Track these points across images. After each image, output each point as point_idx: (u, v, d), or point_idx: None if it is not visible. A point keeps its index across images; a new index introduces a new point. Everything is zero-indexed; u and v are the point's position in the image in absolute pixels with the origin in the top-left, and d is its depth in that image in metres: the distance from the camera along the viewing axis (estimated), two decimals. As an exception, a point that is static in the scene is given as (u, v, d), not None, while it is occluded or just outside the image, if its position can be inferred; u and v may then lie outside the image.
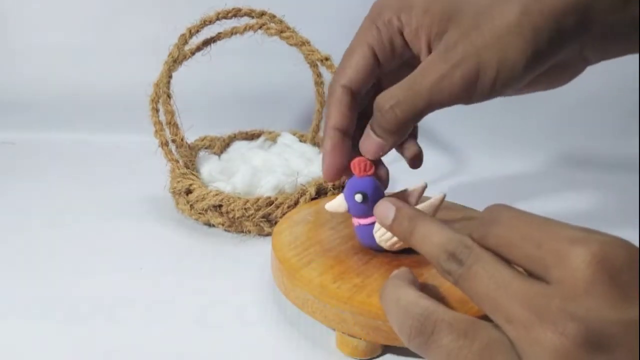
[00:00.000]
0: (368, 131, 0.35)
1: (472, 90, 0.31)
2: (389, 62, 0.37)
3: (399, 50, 0.36)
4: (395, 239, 0.37)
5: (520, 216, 0.26)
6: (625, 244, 0.23)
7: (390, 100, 0.33)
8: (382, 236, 0.37)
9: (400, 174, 0.56)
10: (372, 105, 0.36)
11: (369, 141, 0.35)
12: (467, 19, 0.31)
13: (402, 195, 0.39)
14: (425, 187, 0.40)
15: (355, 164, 0.37)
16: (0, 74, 0.75)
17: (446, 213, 0.46)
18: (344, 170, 0.38)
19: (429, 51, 0.34)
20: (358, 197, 0.37)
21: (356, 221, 0.38)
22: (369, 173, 0.37)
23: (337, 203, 0.38)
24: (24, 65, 0.75)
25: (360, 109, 0.38)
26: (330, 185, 0.52)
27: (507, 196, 0.59)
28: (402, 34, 0.35)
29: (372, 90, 0.38)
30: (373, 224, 0.38)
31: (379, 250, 0.39)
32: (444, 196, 0.39)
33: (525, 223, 0.25)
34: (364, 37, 0.36)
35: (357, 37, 0.37)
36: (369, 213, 0.38)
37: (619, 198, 0.61)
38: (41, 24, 0.75)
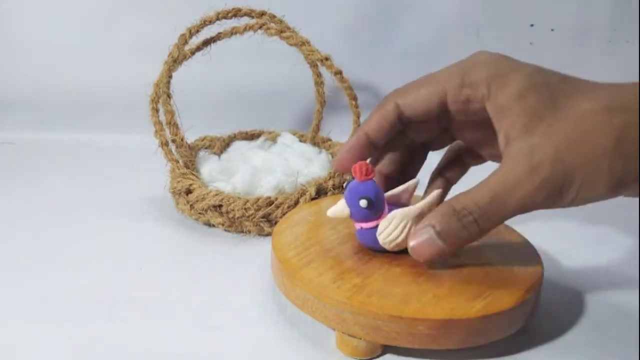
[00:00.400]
0: (428, 232, 0.33)
1: (553, 205, 0.31)
2: (458, 114, 0.35)
3: (473, 111, 0.34)
4: (399, 239, 0.37)
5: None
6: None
7: (474, 212, 0.31)
8: (387, 238, 0.37)
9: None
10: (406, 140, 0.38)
11: (428, 244, 0.33)
12: (560, 126, 0.30)
13: (396, 194, 0.39)
14: (417, 184, 0.40)
15: (357, 168, 0.37)
16: (0, 74, 0.75)
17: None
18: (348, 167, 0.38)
19: (508, 137, 0.32)
20: (363, 203, 0.37)
21: (358, 225, 0.38)
22: (371, 177, 0.37)
23: (339, 209, 0.38)
24: (24, 65, 0.75)
25: (397, 138, 0.38)
26: (330, 185, 0.52)
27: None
28: (483, 102, 0.33)
29: (427, 125, 0.38)
30: (376, 227, 0.38)
31: (381, 251, 0.39)
32: (441, 191, 0.39)
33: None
34: (444, 78, 0.35)
35: (439, 73, 0.35)
36: (372, 217, 0.37)
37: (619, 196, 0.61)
38: (41, 23, 0.75)
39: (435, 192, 0.38)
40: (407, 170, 0.41)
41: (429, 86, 0.35)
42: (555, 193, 0.30)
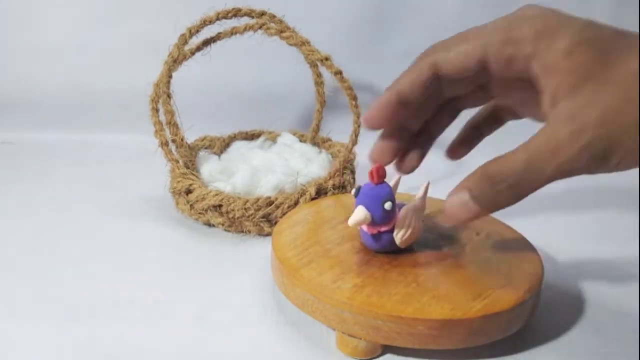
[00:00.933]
0: (463, 195, 0.31)
1: (595, 170, 0.29)
2: (499, 73, 0.32)
3: (515, 69, 0.31)
4: (407, 235, 0.38)
5: None
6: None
7: (509, 177, 0.29)
8: (404, 236, 0.38)
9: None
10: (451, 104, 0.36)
11: (463, 208, 0.31)
12: (609, 87, 0.28)
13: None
14: (400, 178, 0.41)
15: (374, 171, 0.37)
16: (0, 74, 0.75)
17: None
18: (382, 126, 0.36)
19: (554, 97, 0.30)
20: (389, 205, 0.37)
21: (374, 229, 0.38)
22: (384, 179, 0.37)
23: (361, 216, 0.37)
24: (24, 65, 0.75)
25: (444, 89, 0.35)
26: (330, 185, 0.52)
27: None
28: (528, 60, 0.30)
29: (463, 83, 0.35)
30: (393, 228, 0.38)
31: (384, 251, 0.39)
32: (428, 184, 0.41)
33: None
34: (486, 34, 0.32)
35: (480, 29, 0.32)
36: (392, 219, 0.38)
37: (620, 197, 0.61)
38: (41, 23, 0.75)
39: (425, 184, 0.41)
40: (430, 127, 0.38)
41: (469, 43, 0.32)
42: (597, 159, 0.28)
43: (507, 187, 0.30)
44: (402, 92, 0.34)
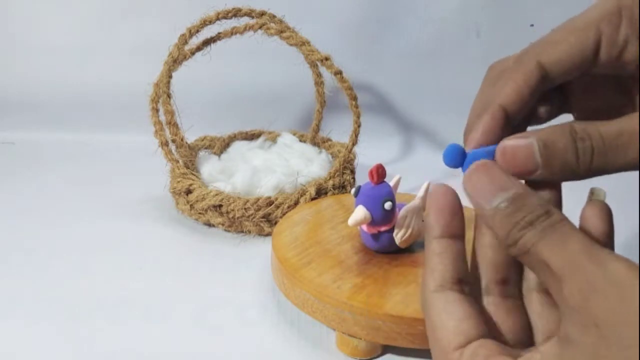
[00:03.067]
0: (530, 140, 0.25)
1: None
2: (604, 66, 0.27)
3: (625, 60, 0.26)
4: (407, 235, 0.38)
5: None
6: None
7: (595, 139, 0.24)
8: (404, 236, 0.38)
9: (401, 174, 0.56)
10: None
11: (523, 152, 0.25)
12: None
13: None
14: (399, 178, 0.41)
15: (374, 171, 0.37)
16: (0, 74, 0.75)
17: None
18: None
19: None
20: (389, 205, 0.37)
21: (374, 229, 0.38)
22: (384, 179, 0.37)
23: (361, 216, 0.37)
24: (24, 65, 0.75)
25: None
26: (330, 185, 0.52)
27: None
28: None
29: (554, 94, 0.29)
30: (393, 228, 0.38)
31: (384, 251, 0.39)
32: (429, 184, 0.40)
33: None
34: (599, 17, 0.27)
35: (587, 14, 0.27)
36: (392, 218, 0.38)
37: (620, 196, 0.61)
38: (42, 24, 0.75)
39: (426, 184, 0.40)
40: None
41: (579, 33, 0.26)
42: None
43: (589, 148, 0.24)
44: (509, 106, 0.27)
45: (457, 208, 0.26)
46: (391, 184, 0.39)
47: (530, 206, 0.22)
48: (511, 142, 0.25)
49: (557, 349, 0.22)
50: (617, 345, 0.20)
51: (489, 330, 0.24)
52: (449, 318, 0.23)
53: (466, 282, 0.25)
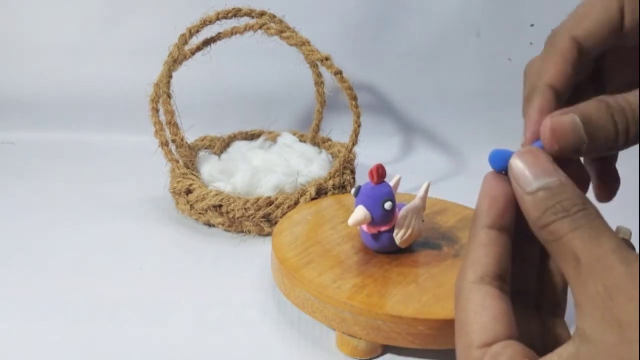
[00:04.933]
0: (573, 118, 0.24)
1: None
2: (629, 32, 0.27)
3: None
4: (407, 235, 0.38)
5: None
6: None
7: (627, 109, 0.24)
8: (404, 236, 0.38)
9: (401, 174, 0.56)
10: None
11: (570, 130, 0.24)
12: None
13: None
14: (399, 178, 0.41)
15: (374, 171, 0.37)
16: (0, 74, 0.75)
17: (446, 213, 0.46)
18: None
19: None
20: (389, 205, 0.37)
21: (374, 229, 0.38)
22: (384, 179, 0.37)
23: (361, 216, 0.37)
24: (24, 65, 0.75)
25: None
26: (330, 185, 0.52)
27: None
28: None
29: (588, 65, 0.29)
30: (393, 228, 0.38)
31: (384, 252, 0.39)
32: (429, 184, 0.41)
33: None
34: None
35: None
36: (392, 218, 0.38)
37: (620, 196, 0.61)
38: (42, 24, 0.75)
39: (426, 184, 0.40)
40: None
41: (604, 2, 0.27)
42: None
43: (623, 116, 0.24)
44: (556, 84, 0.28)
45: (511, 199, 0.25)
46: (391, 183, 0.39)
47: (570, 193, 0.22)
48: (556, 120, 0.24)
49: (573, 348, 0.21)
50: (638, 347, 0.20)
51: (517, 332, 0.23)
52: (484, 313, 0.23)
53: (506, 279, 0.24)
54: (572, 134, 0.24)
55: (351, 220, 0.37)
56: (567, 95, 0.28)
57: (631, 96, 0.24)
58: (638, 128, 0.24)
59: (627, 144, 0.25)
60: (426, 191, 0.40)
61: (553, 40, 0.28)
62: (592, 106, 0.24)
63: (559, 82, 0.27)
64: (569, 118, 0.24)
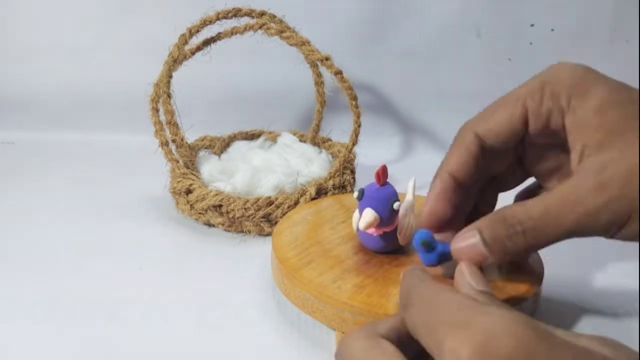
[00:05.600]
0: (474, 236, 0.29)
1: (616, 232, 0.27)
2: (537, 135, 0.31)
3: (553, 128, 0.31)
4: (408, 232, 0.38)
5: (424, 296, 0.24)
6: (512, 328, 0.20)
7: (524, 222, 0.28)
8: (406, 234, 0.38)
9: (401, 174, 0.56)
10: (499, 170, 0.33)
11: (472, 250, 0.29)
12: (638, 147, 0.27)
13: None
14: (414, 181, 0.42)
15: (380, 172, 0.37)
16: (0, 74, 0.75)
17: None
18: (447, 222, 0.33)
19: (582, 153, 0.29)
20: (397, 205, 0.37)
21: (380, 230, 0.38)
22: (387, 179, 0.38)
23: (371, 219, 0.37)
24: (24, 65, 0.75)
25: (487, 166, 0.33)
26: (330, 185, 0.52)
27: (507, 196, 0.59)
28: (563, 116, 0.30)
29: (503, 156, 0.34)
30: (396, 227, 0.38)
31: (385, 252, 0.39)
32: (414, 180, 0.41)
33: (426, 306, 0.24)
34: (523, 93, 0.31)
35: (516, 91, 0.32)
36: (396, 218, 0.38)
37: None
38: (41, 24, 0.75)
39: (412, 181, 0.41)
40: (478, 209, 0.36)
41: (508, 106, 0.31)
42: (619, 218, 0.26)
43: (520, 232, 0.28)
44: (455, 173, 0.32)
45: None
46: (409, 187, 0.41)
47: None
48: (460, 245, 0.29)
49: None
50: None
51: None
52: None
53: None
54: (476, 256, 0.29)
55: (362, 224, 0.37)
56: (470, 182, 0.33)
57: (533, 207, 0.28)
58: (539, 235, 0.28)
59: (533, 250, 0.29)
60: (414, 187, 0.41)
61: (460, 134, 0.33)
62: (493, 223, 0.29)
63: (459, 171, 0.32)
64: (471, 243, 0.29)
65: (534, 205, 0.28)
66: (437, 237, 0.35)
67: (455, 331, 0.21)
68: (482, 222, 0.29)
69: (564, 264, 0.47)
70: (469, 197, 0.34)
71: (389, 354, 0.23)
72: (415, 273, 0.27)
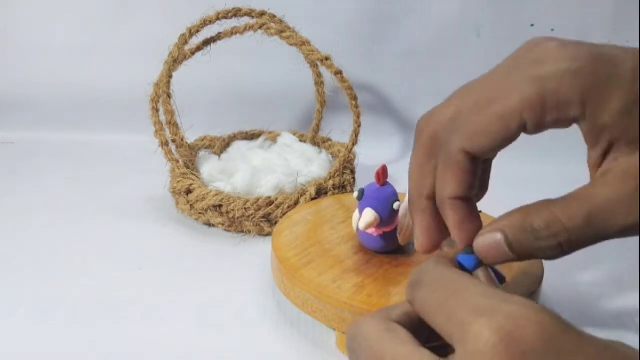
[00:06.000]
0: (495, 237, 0.27)
1: None
2: (533, 131, 0.27)
3: (555, 126, 0.27)
4: (409, 232, 0.38)
5: (441, 279, 0.24)
6: (537, 317, 0.20)
7: (561, 235, 0.25)
8: (406, 233, 0.38)
9: (401, 174, 0.56)
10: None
11: (494, 249, 0.27)
12: None
13: None
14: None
15: (381, 172, 0.37)
16: (0, 74, 0.75)
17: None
18: (440, 243, 0.31)
19: (608, 151, 0.27)
20: (397, 205, 0.37)
21: (380, 230, 0.38)
22: (387, 179, 0.38)
23: (371, 219, 0.37)
24: (24, 65, 0.75)
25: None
26: (330, 185, 0.52)
27: (507, 196, 0.59)
28: (576, 121, 0.26)
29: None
30: (396, 227, 0.38)
31: (386, 252, 0.39)
32: None
33: (442, 288, 0.23)
34: (520, 106, 0.26)
35: (507, 100, 0.26)
36: (396, 218, 0.38)
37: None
38: (42, 24, 0.75)
39: None
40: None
41: (502, 121, 0.27)
42: None
43: (555, 245, 0.26)
44: (460, 195, 0.29)
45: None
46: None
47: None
48: (480, 242, 0.27)
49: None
50: None
51: None
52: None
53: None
54: (499, 255, 0.27)
55: (362, 224, 0.37)
56: (475, 192, 0.29)
57: (568, 210, 0.25)
58: (583, 244, 0.25)
59: (566, 255, 0.26)
60: None
61: (447, 151, 0.29)
62: (517, 232, 0.26)
63: (461, 192, 0.29)
64: (490, 240, 0.27)
65: (572, 211, 0.25)
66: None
67: (480, 317, 0.20)
68: (506, 222, 0.27)
69: (564, 264, 0.47)
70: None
71: (403, 339, 0.23)
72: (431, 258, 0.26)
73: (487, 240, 0.27)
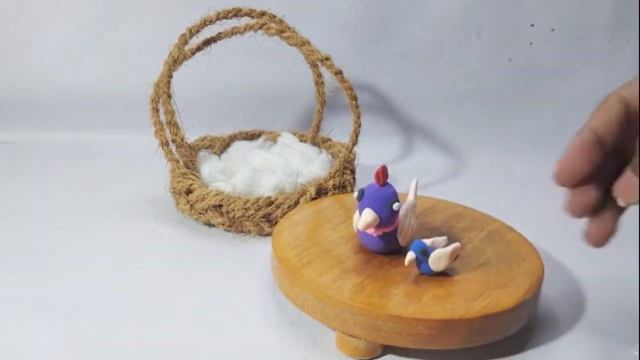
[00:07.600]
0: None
1: None
2: None
3: None
4: (409, 233, 0.38)
5: None
6: None
7: None
8: (406, 234, 0.39)
9: (401, 174, 0.56)
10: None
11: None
12: None
13: None
14: (417, 182, 0.42)
15: (380, 173, 0.37)
16: (0, 74, 0.75)
17: (444, 211, 0.46)
18: (581, 180, 0.31)
19: None
20: (397, 206, 0.37)
21: (380, 231, 0.38)
22: (387, 180, 0.38)
23: (370, 219, 0.36)
24: (24, 65, 0.75)
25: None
26: (330, 185, 0.52)
27: (507, 196, 0.59)
28: None
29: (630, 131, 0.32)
30: (396, 228, 0.38)
31: (389, 252, 0.39)
32: (417, 180, 0.42)
33: None
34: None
35: None
36: (396, 219, 0.38)
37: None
38: (42, 24, 0.75)
39: (415, 181, 0.41)
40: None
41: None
42: None
43: None
44: (598, 131, 0.31)
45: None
46: (411, 187, 0.41)
47: None
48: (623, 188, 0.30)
49: None
50: None
51: None
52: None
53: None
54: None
55: (361, 224, 0.37)
56: (611, 142, 0.31)
57: None
58: None
59: None
60: (416, 188, 0.41)
61: (606, 97, 0.32)
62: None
63: (601, 128, 0.31)
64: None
65: None
66: (427, 242, 0.36)
67: None
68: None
69: (564, 264, 0.47)
70: (610, 162, 0.32)
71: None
72: None
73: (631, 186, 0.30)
